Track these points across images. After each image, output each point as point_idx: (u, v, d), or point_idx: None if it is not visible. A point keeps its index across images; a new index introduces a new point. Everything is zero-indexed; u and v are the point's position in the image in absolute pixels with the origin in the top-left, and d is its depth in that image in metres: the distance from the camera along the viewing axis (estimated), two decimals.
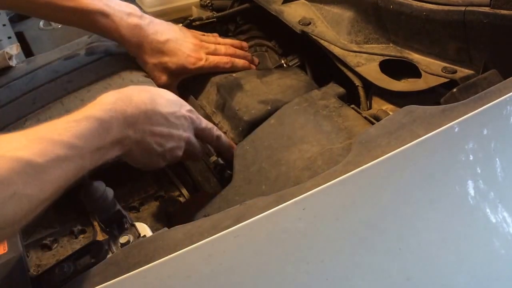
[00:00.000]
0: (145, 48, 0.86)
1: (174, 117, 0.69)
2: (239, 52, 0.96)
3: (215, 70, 0.91)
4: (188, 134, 0.72)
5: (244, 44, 0.99)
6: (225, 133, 0.82)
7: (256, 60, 0.97)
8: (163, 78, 0.88)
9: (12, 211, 0.47)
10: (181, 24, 1.03)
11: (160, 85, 0.87)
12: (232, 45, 0.96)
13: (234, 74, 0.91)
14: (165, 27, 0.90)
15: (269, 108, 0.81)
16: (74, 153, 0.54)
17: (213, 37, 0.98)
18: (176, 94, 0.86)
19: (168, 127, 0.68)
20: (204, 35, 0.96)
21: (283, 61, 0.97)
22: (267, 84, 0.89)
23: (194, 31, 0.96)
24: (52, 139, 0.53)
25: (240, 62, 0.93)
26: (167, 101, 0.70)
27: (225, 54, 0.93)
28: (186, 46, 0.89)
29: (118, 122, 0.61)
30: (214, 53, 0.92)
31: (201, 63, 0.89)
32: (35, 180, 0.50)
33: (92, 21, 0.83)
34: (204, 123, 0.75)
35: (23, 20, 1.18)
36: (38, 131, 0.55)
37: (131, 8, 0.87)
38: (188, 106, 0.74)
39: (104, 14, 0.83)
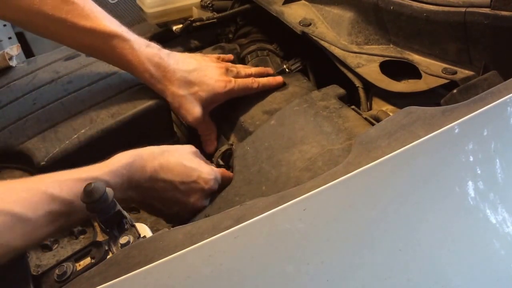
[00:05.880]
0: (170, 79, 0.80)
1: (185, 183, 0.69)
2: (258, 72, 0.92)
3: (244, 93, 0.87)
4: (199, 203, 0.71)
5: (270, 70, 0.94)
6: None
7: (279, 78, 0.90)
8: (196, 110, 0.82)
9: None
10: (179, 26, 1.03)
11: (193, 119, 0.83)
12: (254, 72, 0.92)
13: None
14: (185, 56, 0.85)
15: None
16: (70, 209, 0.57)
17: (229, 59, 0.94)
18: (211, 124, 0.86)
19: (175, 194, 0.69)
20: (219, 57, 0.92)
21: (285, 66, 0.97)
22: (270, 92, 0.89)
23: (210, 55, 0.92)
24: (51, 195, 0.56)
25: (264, 80, 0.89)
26: (182, 169, 0.69)
27: (247, 76, 0.89)
28: (211, 71, 0.84)
29: (122, 186, 0.63)
30: (237, 75, 0.88)
31: (231, 85, 0.85)
32: (24, 234, 0.53)
33: (109, 45, 0.77)
34: (217, 185, 0.73)
35: None
36: (41, 182, 0.57)
37: (148, 41, 0.82)
38: (205, 174, 0.71)
39: (124, 39, 0.77)
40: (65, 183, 0.58)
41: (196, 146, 0.77)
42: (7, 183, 0.56)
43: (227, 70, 0.87)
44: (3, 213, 0.51)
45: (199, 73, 0.83)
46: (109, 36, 0.76)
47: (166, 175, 0.67)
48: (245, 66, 0.95)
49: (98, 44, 0.78)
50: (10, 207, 0.52)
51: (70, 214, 0.57)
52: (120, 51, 0.78)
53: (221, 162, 0.82)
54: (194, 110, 0.82)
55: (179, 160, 0.70)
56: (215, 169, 0.74)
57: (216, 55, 0.93)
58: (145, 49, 0.79)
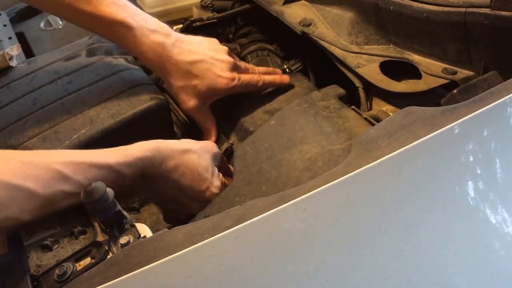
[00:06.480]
0: (169, 70, 0.80)
1: (193, 191, 0.69)
2: (266, 72, 0.90)
3: (247, 90, 0.85)
4: (198, 209, 0.71)
5: (278, 70, 0.93)
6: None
7: (286, 77, 0.89)
8: (191, 102, 0.82)
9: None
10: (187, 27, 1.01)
11: (188, 109, 0.83)
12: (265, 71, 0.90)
13: None
14: (193, 46, 0.82)
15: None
16: (80, 190, 0.57)
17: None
18: (209, 116, 0.85)
19: (179, 195, 0.69)
20: (230, 52, 0.88)
21: (285, 66, 0.97)
22: (272, 92, 0.89)
23: (222, 46, 0.87)
24: (64, 175, 0.56)
25: (269, 78, 0.87)
26: (195, 176, 0.69)
27: (253, 73, 0.87)
28: (217, 65, 0.82)
29: (134, 176, 0.63)
30: (244, 71, 0.86)
31: (234, 83, 0.82)
32: (33, 209, 0.53)
33: (111, 32, 0.77)
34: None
35: (24, 20, 1.18)
36: (55, 159, 0.57)
37: (158, 25, 0.79)
38: (214, 188, 0.71)
39: (126, 27, 0.76)
40: (80, 166, 0.58)
41: None
42: (19, 155, 0.55)
43: (234, 65, 0.84)
44: (14, 188, 0.52)
45: (203, 66, 0.81)
46: (110, 23, 0.75)
47: (178, 177, 0.67)
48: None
49: (100, 30, 0.78)
50: (22, 182, 0.52)
51: (79, 194, 0.57)
52: (121, 39, 0.78)
53: None
54: (189, 102, 0.82)
55: (196, 165, 0.69)
56: (223, 182, 0.75)
57: (227, 48, 0.88)
58: (148, 38, 0.77)
